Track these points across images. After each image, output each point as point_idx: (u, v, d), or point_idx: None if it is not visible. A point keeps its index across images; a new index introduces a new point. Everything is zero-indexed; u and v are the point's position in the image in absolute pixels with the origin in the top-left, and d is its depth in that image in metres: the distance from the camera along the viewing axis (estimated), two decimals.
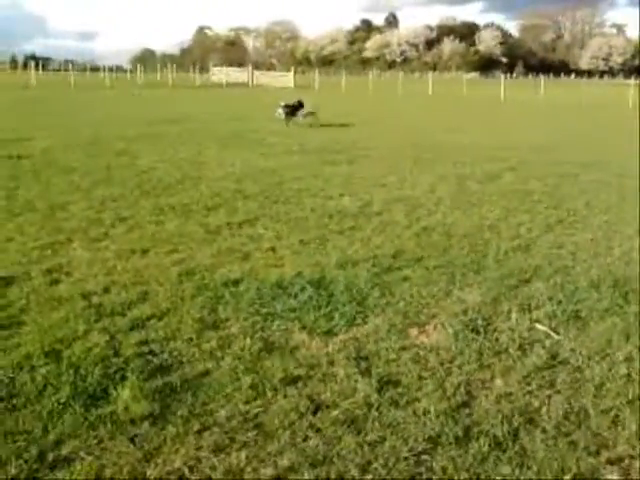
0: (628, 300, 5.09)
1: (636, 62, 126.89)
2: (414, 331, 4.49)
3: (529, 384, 3.77)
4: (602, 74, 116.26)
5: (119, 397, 3.49)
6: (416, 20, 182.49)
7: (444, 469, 3.01)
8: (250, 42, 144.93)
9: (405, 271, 5.72)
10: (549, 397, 3.64)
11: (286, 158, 12.65)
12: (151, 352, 4.05)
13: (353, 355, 4.08)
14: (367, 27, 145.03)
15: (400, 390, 3.67)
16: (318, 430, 3.28)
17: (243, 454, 3.08)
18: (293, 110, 19.90)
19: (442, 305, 4.95)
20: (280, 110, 19.89)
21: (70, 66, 66.54)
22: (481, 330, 4.49)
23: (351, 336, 4.38)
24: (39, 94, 37.11)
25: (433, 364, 3.99)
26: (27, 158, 11.82)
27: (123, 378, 3.70)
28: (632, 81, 52.60)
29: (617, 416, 3.46)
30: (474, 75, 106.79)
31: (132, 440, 3.15)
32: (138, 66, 67.46)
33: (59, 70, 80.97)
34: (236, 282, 5.33)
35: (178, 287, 5.20)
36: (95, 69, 78.04)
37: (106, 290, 5.10)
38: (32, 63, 60.41)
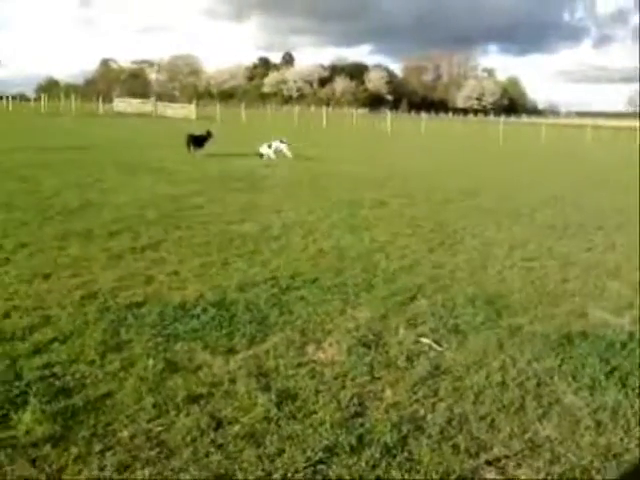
0: (501, 314, 5.34)
1: (505, 102, 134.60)
2: (311, 347, 4.51)
3: (416, 393, 3.86)
4: (476, 112, 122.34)
5: (20, 421, 3.29)
6: (310, 60, 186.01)
7: (339, 477, 3.02)
8: (153, 75, 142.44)
9: (302, 291, 5.75)
10: (434, 405, 3.74)
11: (188, 185, 12.46)
12: (53, 375, 3.85)
13: (254, 372, 4.05)
14: (265, 64, 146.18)
15: (298, 404, 3.67)
16: (220, 446, 3.22)
17: (147, 472, 2.98)
18: (200, 141, 19.25)
19: (336, 322, 5.01)
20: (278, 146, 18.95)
21: None
22: (372, 345, 4.57)
23: (251, 354, 4.34)
24: None
25: (328, 378, 4.01)
26: None
27: (25, 402, 3.50)
28: (502, 119, 55.69)
29: (494, 420, 3.60)
30: (364, 111, 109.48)
31: (33, 463, 2.98)
32: (42, 95, 64.64)
33: None
34: (139, 305, 5.17)
35: (81, 310, 4.99)
36: None
37: (7, 315, 4.82)
38: None
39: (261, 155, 18.30)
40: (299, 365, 4.19)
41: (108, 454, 3.09)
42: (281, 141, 19.08)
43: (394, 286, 6.03)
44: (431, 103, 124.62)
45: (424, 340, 4.70)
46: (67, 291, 5.47)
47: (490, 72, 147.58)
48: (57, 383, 3.76)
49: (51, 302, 5.17)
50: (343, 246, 7.67)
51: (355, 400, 3.74)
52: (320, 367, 4.18)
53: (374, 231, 8.67)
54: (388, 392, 3.87)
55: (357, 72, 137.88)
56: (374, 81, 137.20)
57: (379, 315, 5.20)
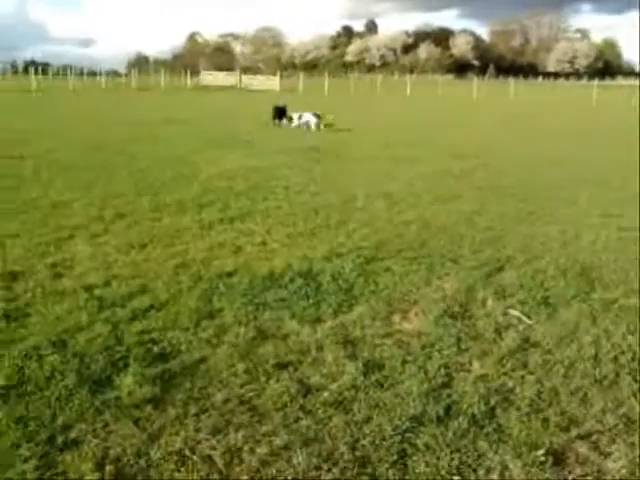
0: (594, 287, 5.15)
1: (599, 65, 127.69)
2: (397, 318, 4.52)
3: (504, 366, 3.81)
4: (568, 76, 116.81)
5: (122, 383, 3.48)
6: (394, 26, 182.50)
7: (427, 445, 3.04)
8: (238, 48, 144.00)
9: (387, 262, 5.75)
10: (522, 378, 3.68)
11: (272, 157, 12.61)
12: (151, 341, 4.05)
13: (340, 341, 4.10)
14: (348, 33, 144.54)
15: (385, 373, 3.70)
16: (309, 411, 3.30)
17: (240, 435, 3.09)
18: (282, 112, 20.02)
19: (422, 293, 4.99)
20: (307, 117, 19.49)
21: (68, 71, 65.78)
22: (459, 316, 4.53)
23: (338, 323, 4.40)
24: (40, 97, 36.72)
25: (415, 348, 4.02)
26: (30, 158, 11.69)
27: (126, 365, 3.69)
28: (596, 82, 52.96)
29: (585, 395, 3.50)
30: (449, 77, 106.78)
31: (136, 423, 3.16)
32: (133, 71, 66.83)
33: (58, 74, 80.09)
34: (230, 274, 5.33)
35: (175, 279, 5.19)
36: (92, 74, 77.15)
37: (107, 283, 5.07)
38: (32, 68, 59.61)
39: (291, 119, 19.56)
40: (385, 335, 4.21)
41: (203, 417, 3.23)
42: (314, 114, 19.45)
43: (481, 257, 5.93)
44: (520, 67, 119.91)
45: (513, 312, 4.61)
46: (162, 261, 5.70)
47: (583, 33, 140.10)
48: (155, 348, 3.94)
49: (147, 271, 5.40)
50: (428, 216, 7.59)
51: (442, 371, 3.73)
52: (406, 337, 4.18)
53: (460, 201, 8.52)
54: (476, 364, 3.83)
55: (442, 38, 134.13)
56: (460, 46, 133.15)
57: (466, 286, 5.13)
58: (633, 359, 3.90)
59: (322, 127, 19.09)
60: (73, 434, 3.05)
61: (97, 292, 4.86)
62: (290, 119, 19.55)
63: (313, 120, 19.14)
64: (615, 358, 3.91)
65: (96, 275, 5.25)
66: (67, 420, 3.15)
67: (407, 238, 6.58)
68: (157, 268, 5.48)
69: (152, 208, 7.80)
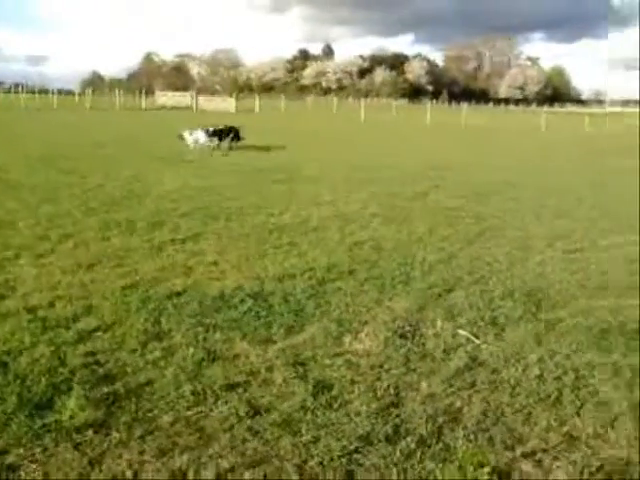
0: (540, 308, 5.27)
1: (548, 92, 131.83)
2: (348, 338, 4.54)
3: (452, 385, 3.86)
4: (517, 102, 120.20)
5: (64, 406, 3.40)
6: (350, 51, 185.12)
7: (375, 466, 3.05)
8: (195, 68, 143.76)
9: (338, 282, 5.78)
10: (470, 397, 3.73)
11: (222, 177, 12.56)
12: (97, 362, 3.97)
13: (291, 361, 4.10)
14: (305, 56, 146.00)
15: (334, 393, 3.70)
16: (257, 433, 3.27)
17: (185, 457, 3.05)
18: (220, 135, 18.08)
19: (373, 314, 5.02)
20: (198, 135, 17.71)
21: (20, 88, 64.68)
22: (409, 336, 4.58)
23: (289, 344, 4.39)
24: None
25: (365, 368, 4.04)
26: None
27: (69, 388, 3.61)
28: (544, 109, 54.61)
29: (530, 413, 3.57)
30: (403, 102, 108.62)
31: (77, 447, 3.08)
32: (87, 90, 65.98)
33: (9, 92, 78.51)
34: (179, 294, 5.28)
35: (123, 300, 5.11)
36: (44, 91, 75.94)
37: (52, 304, 4.97)
38: None
39: (182, 137, 17.88)
40: (336, 355, 4.22)
41: (148, 439, 3.17)
42: (206, 131, 17.90)
43: (431, 278, 6.02)
44: (472, 93, 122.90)
45: (462, 332, 4.68)
46: (110, 281, 5.61)
47: (534, 60, 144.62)
48: (100, 370, 3.87)
49: (94, 291, 5.31)
50: (380, 237, 7.66)
51: (391, 391, 3.75)
52: (356, 358, 4.20)
53: (412, 223, 8.64)
54: (424, 383, 3.87)
55: (397, 62, 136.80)
56: (414, 71, 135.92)
57: (416, 306, 5.19)
58: (577, 378, 4.00)
59: (232, 145, 17.75)
60: (10, 459, 2.96)
61: (41, 313, 4.75)
62: (181, 137, 17.86)
63: (203, 138, 17.61)
64: (559, 377, 4.00)
65: (40, 296, 5.14)
66: (4, 445, 3.06)
67: (359, 259, 6.63)
68: (104, 289, 5.39)
69: (101, 227, 7.67)
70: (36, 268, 5.93)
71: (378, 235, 7.82)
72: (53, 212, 8.49)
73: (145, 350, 4.18)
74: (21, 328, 4.44)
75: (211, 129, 17.97)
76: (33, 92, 73.97)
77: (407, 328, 4.73)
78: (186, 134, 17.85)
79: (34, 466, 2.92)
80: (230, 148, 16.84)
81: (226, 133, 18.12)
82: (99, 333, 4.43)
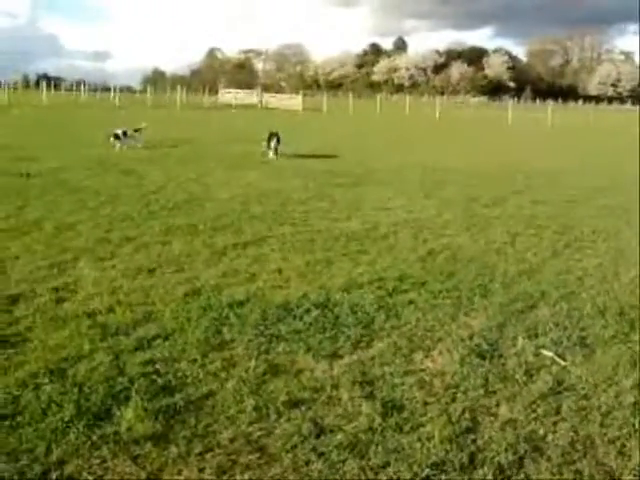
0: (634, 328, 5.07)
1: None
2: (419, 355, 4.48)
3: (535, 411, 3.75)
4: (610, 100, 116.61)
5: (123, 417, 3.48)
6: (425, 45, 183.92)
7: None
8: (260, 65, 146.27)
9: (410, 294, 5.73)
10: (555, 424, 3.62)
11: (289, 181, 12.69)
12: (156, 372, 4.05)
13: (358, 378, 4.07)
14: (375, 51, 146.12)
15: (404, 415, 3.66)
16: (321, 454, 3.26)
17: (246, 477, 3.07)
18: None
19: (448, 330, 4.95)
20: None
21: (82, 86, 67.20)
22: (487, 355, 4.48)
23: (356, 359, 4.37)
24: (49, 114, 37.45)
25: (438, 389, 3.97)
26: (36, 177, 11.89)
27: (127, 398, 3.70)
28: None
29: (624, 446, 3.43)
30: (482, 99, 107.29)
31: (135, 460, 3.15)
32: (148, 87, 68.06)
33: (71, 90, 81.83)
34: (241, 303, 5.34)
35: (184, 307, 5.21)
36: (106, 89, 78.78)
37: (111, 309, 5.10)
38: (44, 82, 60.87)
39: (116, 136, 17.44)
40: (406, 374, 4.17)
41: (208, 456, 3.21)
42: (135, 130, 18.22)
43: (513, 292, 5.89)
44: (558, 90, 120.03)
45: (546, 353, 4.55)
46: (170, 287, 5.73)
47: (628, 55, 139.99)
48: (159, 381, 3.95)
49: (155, 297, 5.43)
50: (457, 246, 7.56)
51: (467, 415, 3.68)
52: (429, 377, 4.14)
53: (491, 230, 8.49)
54: (504, 408, 3.78)
55: (476, 57, 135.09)
56: (494, 66, 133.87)
57: (495, 323, 5.09)
58: None
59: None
60: (68, 470, 3.05)
61: (100, 319, 4.90)
62: (116, 137, 17.43)
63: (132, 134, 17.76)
64: None
65: (100, 301, 5.29)
66: (62, 455, 3.15)
67: (433, 269, 6.56)
68: (165, 295, 5.51)
69: (162, 231, 7.86)
70: (96, 272, 6.12)
71: (454, 244, 7.72)
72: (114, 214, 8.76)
73: (206, 361, 4.25)
74: (80, 334, 4.58)
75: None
76: (95, 90, 76.84)
77: (485, 346, 4.63)
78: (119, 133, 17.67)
79: (92, 478, 3.00)
80: (276, 152, 16.39)
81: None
82: (159, 341, 4.53)
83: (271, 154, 16.30)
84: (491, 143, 26.12)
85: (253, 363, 4.22)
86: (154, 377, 3.99)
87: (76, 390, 3.74)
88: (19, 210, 8.79)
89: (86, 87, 68.75)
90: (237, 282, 5.95)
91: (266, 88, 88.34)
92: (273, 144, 16.38)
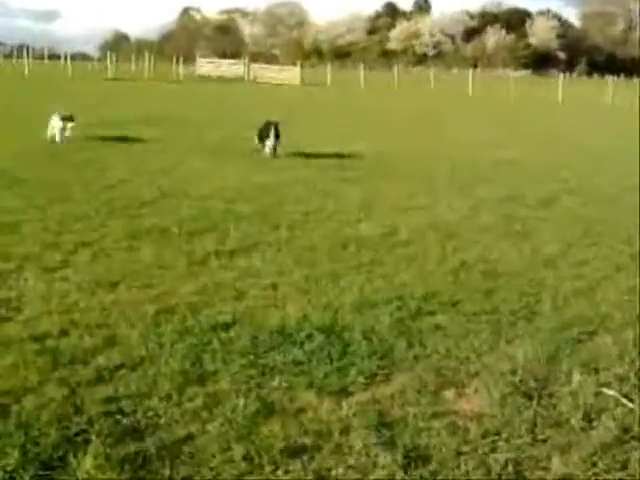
0: None
1: None
2: (450, 393, 4.49)
3: (595, 465, 3.76)
4: None
5: (79, 466, 3.49)
6: (453, 5, 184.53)
7: None
8: (247, 28, 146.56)
9: (438, 317, 5.74)
10: None
11: (287, 173, 12.72)
12: (120, 411, 4.06)
13: (373, 421, 4.08)
14: (392, 13, 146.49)
15: (432, 467, 3.67)
16: None
17: None
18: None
19: (485, 362, 4.96)
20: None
21: (25, 52, 67.42)
22: (534, 394, 4.49)
23: (370, 397, 4.38)
24: None
25: (474, 436, 3.98)
26: None
27: (86, 442, 3.71)
28: None
29: None
30: (524, 73, 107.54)
31: None
32: (108, 54, 68.10)
33: (10, 57, 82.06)
34: (227, 326, 5.35)
35: (154, 330, 5.22)
36: (55, 56, 79.07)
37: (64, 332, 5.12)
38: None
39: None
40: (434, 416, 4.18)
41: None
42: (64, 118, 15.89)
43: (566, 316, 5.91)
44: (620, 63, 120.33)
45: (608, 392, 4.56)
46: (138, 305, 5.75)
47: None
48: (125, 421, 3.96)
49: (118, 318, 5.45)
50: (495, 258, 7.59)
51: (510, 468, 3.69)
52: (462, 421, 4.15)
53: (537, 239, 8.52)
54: (556, 460, 3.79)
55: (516, 21, 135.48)
56: (539, 33, 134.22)
57: (545, 354, 5.10)
58: None
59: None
60: None
61: (51, 343, 4.91)
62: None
63: (58, 125, 15.81)
64: None
65: (50, 321, 5.31)
66: None
67: (466, 286, 6.58)
68: (131, 315, 5.52)
69: (127, 235, 7.89)
70: (45, 285, 6.14)
71: (491, 254, 7.74)
72: (66, 213, 8.79)
73: (183, 397, 4.26)
74: (26, 362, 4.59)
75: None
76: (41, 57, 77.06)
77: (532, 383, 4.64)
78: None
79: None
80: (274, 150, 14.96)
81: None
82: (124, 372, 4.54)
83: (267, 151, 14.95)
84: (536, 128, 26.19)
85: (242, 401, 4.23)
86: (118, 417, 4.00)
87: (22, 432, 3.75)
88: None
89: (30, 53, 68.85)
90: (221, 300, 5.97)
91: (255, 57, 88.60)
92: (270, 140, 14.85)
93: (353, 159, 14.94)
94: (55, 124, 15.73)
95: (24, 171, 11.69)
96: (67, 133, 15.83)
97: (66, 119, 15.84)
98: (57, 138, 15.69)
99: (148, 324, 5.34)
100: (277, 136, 14.93)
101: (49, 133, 15.83)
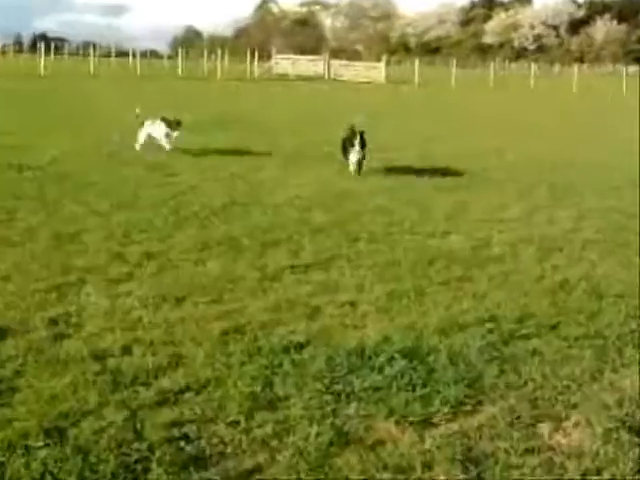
0: None
1: None
2: (546, 427, 4.42)
3: None
4: None
5: None
6: None
7: None
8: (328, 22, 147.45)
9: (535, 341, 5.66)
10: None
11: (369, 180, 12.73)
12: (184, 437, 4.11)
13: (459, 456, 4.04)
14: (488, 3, 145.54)
15: None
16: None
17: None
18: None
19: (587, 392, 4.86)
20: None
21: (91, 49, 69.16)
22: None
23: (457, 429, 4.34)
24: (48, 86, 38.70)
25: (573, 474, 3.91)
26: (30, 170, 12.29)
27: (146, 470, 3.77)
28: None
29: None
30: (637, 69, 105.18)
31: None
32: (179, 51, 69.37)
33: (77, 54, 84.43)
34: (300, 347, 5.37)
35: (222, 350, 5.28)
36: (123, 53, 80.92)
37: (127, 350, 5.22)
38: (42, 45, 62.57)
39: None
40: (528, 452, 4.12)
41: None
42: (170, 122, 15.06)
43: None
44: None
45: None
46: (205, 322, 5.83)
47: None
48: (188, 448, 4.00)
49: (184, 336, 5.53)
50: (600, 276, 7.44)
51: None
52: (560, 457, 4.08)
53: None
54: None
55: (630, 11, 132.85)
56: None
57: None
58: None
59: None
60: None
61: (112, 363, 5.00)
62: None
63: (162, 131, 14.92)
64: None
65: (112, 338, 5.42)
66: None
67: (567, 308, 6.47)
68: (197, 333, 5.60)
69: (195, 247, 8.01)
70: (108, 299, 6.28)
71: (596, 272, 7.60)
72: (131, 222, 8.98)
73: (251, 423, 4.28)
74: (85, 382, 4.69)
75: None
76: (108, 54, 78.92)
77: None
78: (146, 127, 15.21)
79: None
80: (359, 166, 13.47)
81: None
82: (189, 395, 4.59)
83: (351, 168, 13.43)
84: None
85: (315, 429, 4.24)
86: (182, 443, 4.05)
87: (79, 458, 3.83)
88: (7, 215, 9.11)
89: (97, 51, 70.62)
90: (294, 318, 6.00)
91: (336, 53, 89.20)
92: (355, 152, 13.26)
93: (440, 163, 14.84)
94: (155, 131, 14.85)
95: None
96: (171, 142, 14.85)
97: (172, 124, 14.86)
98: (166, 146, 14.73)
99: (215, 343, 5.40)
100: (363, 145, 13.28)
101: (139, 141, 15.00)
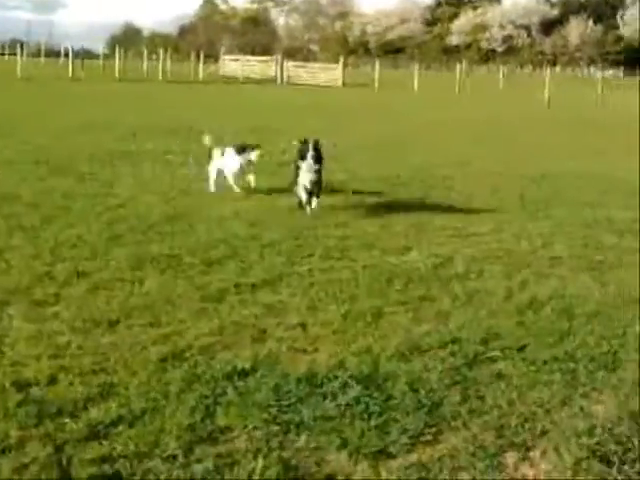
0: None
1: None
2: (512, 457, 4.46)
3: None
4: None
5: None
6: None
7: None
8: (281, 19, 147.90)
9: (500, 364, 5.71)
10: None
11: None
12: (116, 474, 4.08)
13: None
14: (455, 1, 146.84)
15: None
16: None
17: None
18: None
19: (556, 419, 4.91)
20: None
21: (19, 48, 68.53)
22: (614, 460, 4.44)
23: (416, 460, 4.36)
24: None
25: None
26: None
27: None
28: None
29: None
30: (614, 73, 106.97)
31: None
32: (117, 50, 68.98)
33: (2, 54, 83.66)
34: (245, 373, 5.36)
35: (159, 378, 5.25)
36: (55, 53, 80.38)
37: (53, 379, 5.16)
38: None
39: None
40: None
41: None
42: (250, 148, 12.33)
43: None
44: None
45: None
46: (141, 347, 5.79)
47: None
48: None
49: (117, 363, 5.49)
50: (572, 294, 7.52)
51: None
52: None
53: (626, 271, 8.44)
54: None
55: (606, 10, 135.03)
56: (634, 24, 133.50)
57: (628, 411, 5.04)
58: None
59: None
60: None
61: (36, 392, 4.95)
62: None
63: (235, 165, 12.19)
64: None
65: (37, 366, 5.36)
66: None
67: (535, 328, 6.53)
68: (132, 359, 5.56)
69: (130, 264, 7.96)
70: (33, 323, 6.22)
71: (566, 291, 7.68)
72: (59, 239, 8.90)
73: (190, 457, 4.26)
74: (6, 415, 4.63)
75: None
76: (38, 54, 78.34)
77: (612, 446, 4.59)
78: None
79: None
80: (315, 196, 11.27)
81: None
82: (122, 427, 4.55)
83: (303, 197, 11.13)
84: (629, 138, 25.97)
85: (260, 463, 4.23)
86: None
87: None
88: None
89: (24, 50, 70.01)
90: (239, 342, 5.99)
91: (290, 54, 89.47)
92: (307, 170, 10.95)
93: (401, 173, 14.93)
94: (229, 164, 12.23)
95: None
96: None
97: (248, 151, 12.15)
98: (252, 184, 12.17)
99: (151, 370, 5.36)
100: (318, 159, 11.09)
101: (211, 180, 12.49)
